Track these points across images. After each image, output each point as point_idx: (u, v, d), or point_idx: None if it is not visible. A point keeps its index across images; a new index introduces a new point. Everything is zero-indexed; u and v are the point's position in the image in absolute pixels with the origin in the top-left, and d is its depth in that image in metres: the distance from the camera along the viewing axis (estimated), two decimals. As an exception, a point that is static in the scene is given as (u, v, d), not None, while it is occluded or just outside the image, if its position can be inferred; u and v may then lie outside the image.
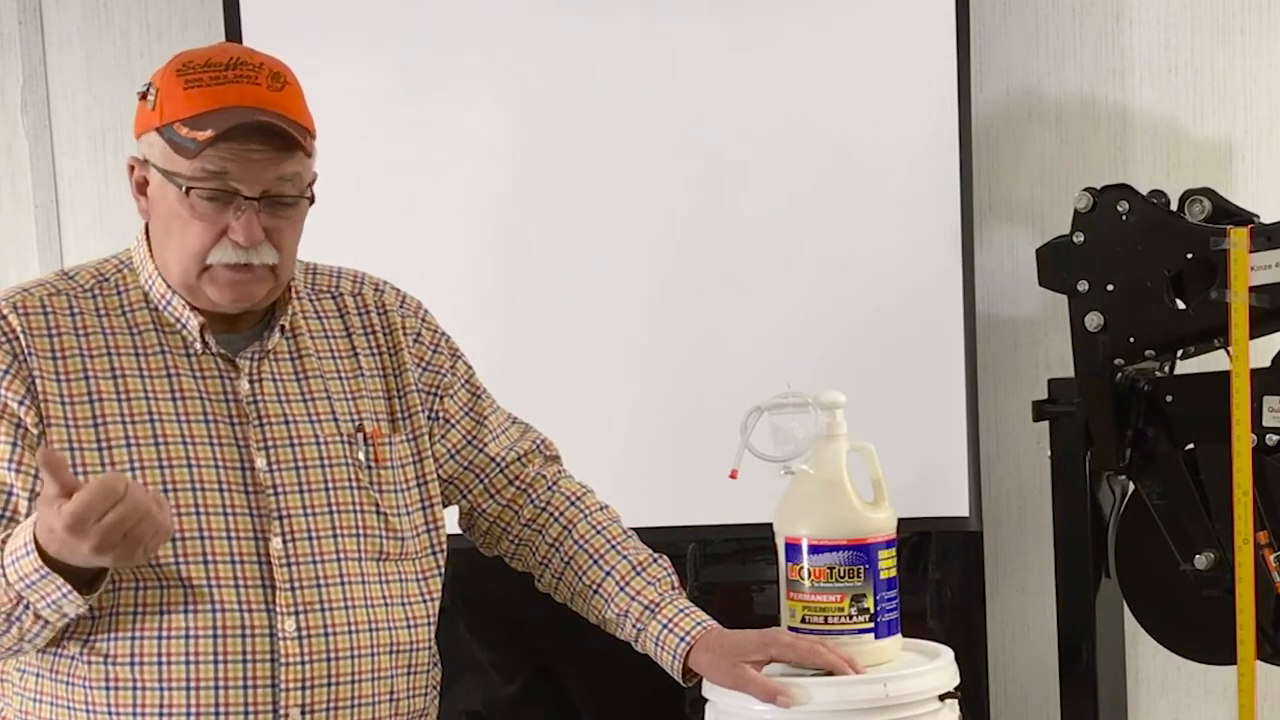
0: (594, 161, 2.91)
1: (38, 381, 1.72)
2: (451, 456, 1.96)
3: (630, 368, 2.89)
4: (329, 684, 1.75)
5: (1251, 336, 2.37)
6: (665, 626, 1.86)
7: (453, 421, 1.96)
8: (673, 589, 1.92)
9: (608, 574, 1.92)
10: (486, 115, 2.90)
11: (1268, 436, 2.37)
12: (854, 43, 2.91)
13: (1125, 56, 3.07)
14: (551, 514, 1.99)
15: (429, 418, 1.94)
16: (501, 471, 1.99)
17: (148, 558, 1.61)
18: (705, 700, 1.83)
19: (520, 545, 2.00)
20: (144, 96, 1.76)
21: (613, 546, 1.95)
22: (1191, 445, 2.48)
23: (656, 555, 1.96)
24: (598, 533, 1.97)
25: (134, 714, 1.70)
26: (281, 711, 1.72)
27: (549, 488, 2.01)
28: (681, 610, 1.88)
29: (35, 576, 1.60)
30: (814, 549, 1.80)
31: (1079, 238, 2.49)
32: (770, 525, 1.87)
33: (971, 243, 2.91)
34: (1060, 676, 2.66)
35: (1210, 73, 3.04)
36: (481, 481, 1.99)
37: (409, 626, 1.84)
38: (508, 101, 2.91)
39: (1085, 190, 2.49)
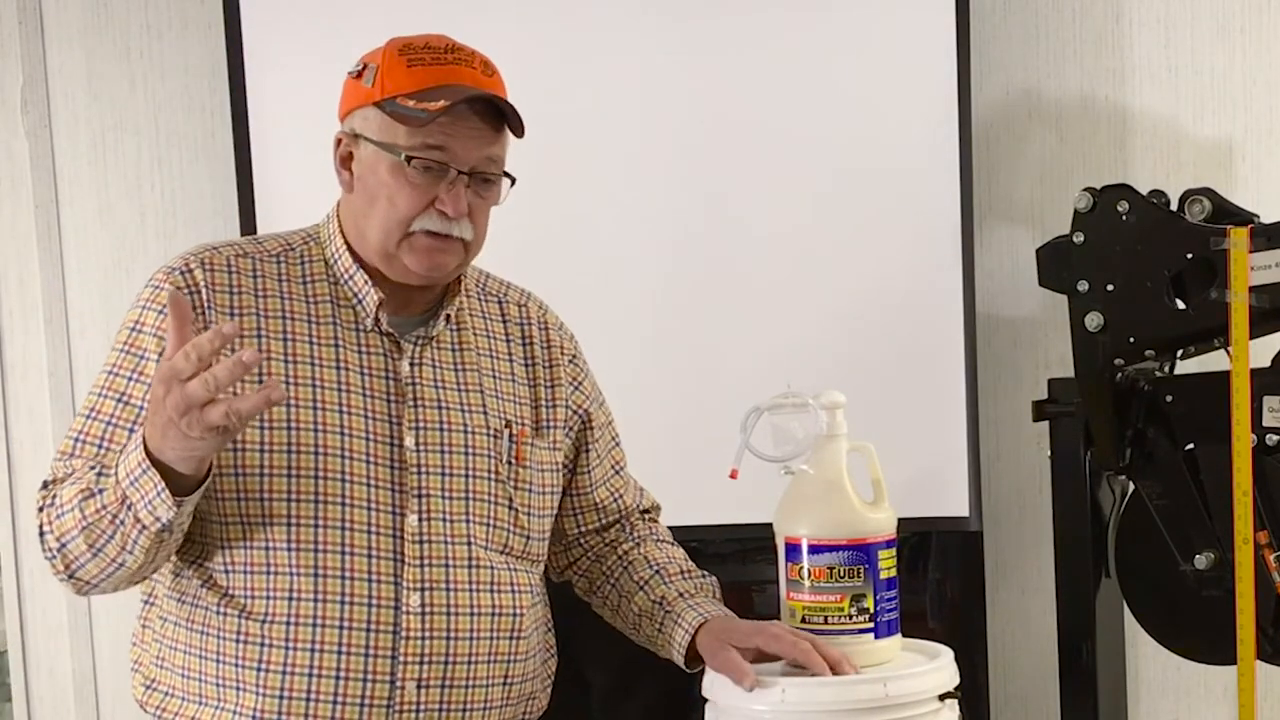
0: (595, 163, 2.91)
1: None
2: (593, 489, 2.04)
3: (631, 368, 2.89)
4: (446, 662, 1.81)
5: (1251, 336, 2.37)
6: (690, 608, 1.92)
7: (599, 457, 2.04)
8: (714, 595, 1.98)
9: (656, 572, 1.99)
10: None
11: (1268, 436, 2.37)
12: (854, 43, 2.92)
13: (1125, 56, 3.07)
14: (629, 533, 2.07)
15: (572, 439, 2.01)
16: (618, 522, 2.08)
17: (215, 440, 1.60)
18: (705, 700, 1.84)
19: (595, 562, 2.07)
20: (358, 75, 1.84)
21: (672, 560, 2.03)
22: (1191, 445, 2.48)
23: (708, 573, 2.03)
24: (661, 551, 2.04)
25: (259, 669, 1.77)
26: (398, 683, 1.79)
27: (648, 532, 2.09)
28: (709, 599, 1.95)
29: (138, 471, 1.63)
30: (814, 549, 1.80)
31: (1079, 238, 2.49)
32: (770, 525, 1.87)
33: (971, 243, 2.91)
34: (1060, 676, 2.66)
35: (1210, 73, 3.04)
36: (600, 520, 2.06)
37: (527, 614, 1.90)
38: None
39: (1085, 190, 2.49)
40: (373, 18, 2.92)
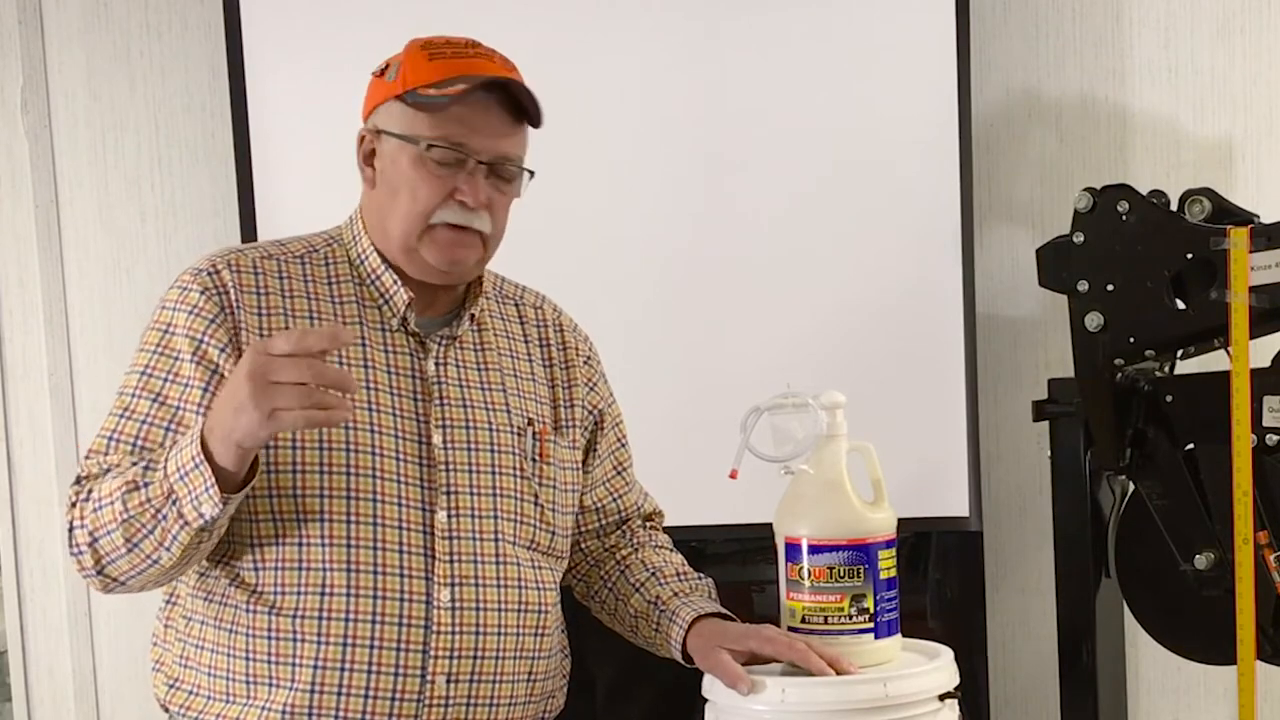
0: (595, 162, 2.91)
1: (242, 333, 1.80)
2: (590, 489, 2.05)
3: (630, 367, 2.88)
4: (475, 656, 1.82)
5: (1251, 336, 2.37)
6: (685, 605, 1.92)
7: (600, 457, 2.05)
8: (710, 596, 1.98)
9: (652, 574, 2.00)
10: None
11: (1268, 436, 2.37)
12: (854, 43, 2.92)
13: (1125, 56, 3.07)
14: (628, 539, 2.08)
15: (585, 437, 2.02)
16: (619, 526, 2.08)
17: (260, 425, 1.60)
18: (705, 700, 1.84)
19: (593, 567, 2.07)
20: (381, 74, 1.87)
21: (668, 563, 2.03)
22: (1191, 445, 2.48)
23: (704, 575, 2.03)
24: (658, 555, 2.04)
25: (291, 664, 1.77)
26: (429, 677, 1.80)
27: (648, 539, 2.09)
28: (704, 598, 1.95)
29: (190, 465, 1.65)
30: (814, 549, 1.80)
31: (1079, 238, 2.49)
32: (770, 525, 1.87)
33: (971, 243, 2.91)
34: (1060, 676, 2.66)
35: (1210, 73, 3.04)
36: (599, 522, 2.07)
37: (551, 611, 1.92)
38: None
39: (1085, 190, 2.49)
40: (372, 19, 2.93)
